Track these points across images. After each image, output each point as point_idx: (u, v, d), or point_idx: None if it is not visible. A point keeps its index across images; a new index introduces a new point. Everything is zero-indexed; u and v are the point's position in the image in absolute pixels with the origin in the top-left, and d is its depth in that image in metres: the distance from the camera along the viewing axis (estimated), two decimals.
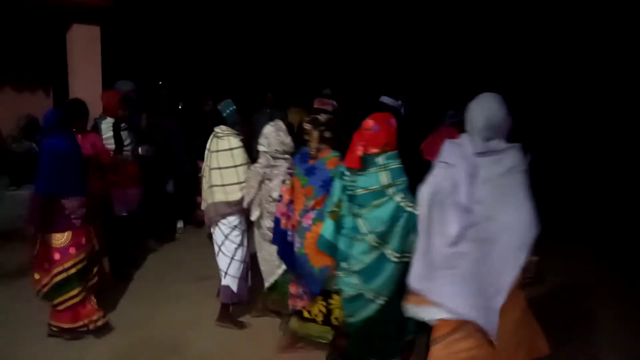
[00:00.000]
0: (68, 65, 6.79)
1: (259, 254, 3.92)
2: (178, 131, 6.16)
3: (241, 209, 3.84)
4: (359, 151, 2.93)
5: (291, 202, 3.47)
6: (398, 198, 2.82)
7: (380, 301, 2.91)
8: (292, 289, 3.53)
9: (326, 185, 3.25)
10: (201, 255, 5.37)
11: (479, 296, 2.40)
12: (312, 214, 3.29)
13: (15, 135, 6.44)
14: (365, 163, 2.93)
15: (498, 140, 2.48)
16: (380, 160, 2.92)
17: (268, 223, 3.70)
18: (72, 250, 3.54)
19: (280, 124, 3.81)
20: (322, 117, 3.45)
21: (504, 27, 9.06)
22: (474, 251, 2.42)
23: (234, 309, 4.03)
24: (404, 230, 2.79)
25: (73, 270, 3.54)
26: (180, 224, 6.46)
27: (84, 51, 6.57)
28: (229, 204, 3.80)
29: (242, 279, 3.93)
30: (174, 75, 8.12)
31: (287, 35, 10.01)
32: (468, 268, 2.42)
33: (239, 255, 3.90)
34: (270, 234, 3.66)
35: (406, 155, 3.62)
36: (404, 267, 2.73)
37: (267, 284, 3.91)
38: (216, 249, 3.94)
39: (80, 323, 3.64)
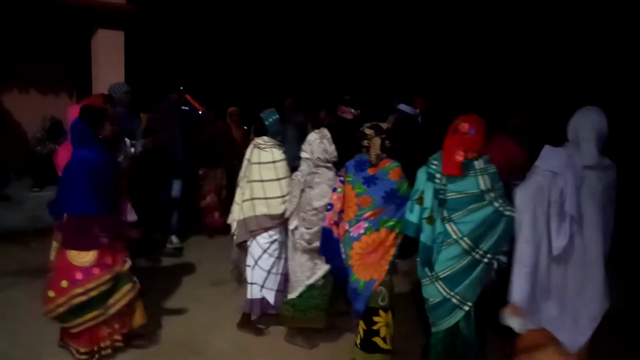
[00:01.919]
0: (92, 69, 6.95)
1: (289, 263, 3.79)
2: (180, 134, 5.91)
3: (283, 222, 3.76)
4: (460, 157, 2.82)
5: (341, 211, 3.38)
6: (497, 203, 2.80)
7: (467, 307, 2.89)
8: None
9: (388, 197, 3.17)
10: (216, 259, 5.43)
11: (574, 319, 2.52)
12: (364, 224, 3.20)
13: (39, 137, 6.57)
14: (461, 168, 2.86)
15: (603, 155, 2.57)
16: (477, 164, 2.86)
17: (303, 232, 3.59)
18: (96, 271, 3.19)
19: (325, 131, 3.69)
20: (384, 125, 3.36)
21: (530, 31, 8.94)
22: (575, 265, 2.53)
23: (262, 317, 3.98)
24: (502, 234, 2.78)
25: (94, 293, 3.19)
26: (175, 239, 5.88)
27: (107, 56, 6.71)
28: (271, 217, 3.72)
29: (281, 291, 3.86)
30: (195, 79, 8.22)
31: (308, 41, 10.08)
32: (569, 286, 2.53)
33: (276, 268, 3.83)
34: (304, 244, 3.56)
35: (424, 161, 3.65)
36: (489, 270, 2.78)
37: (291, 295, 3.71)
38: (251, 261, 3.83)
39: (99, 346, 3.36)
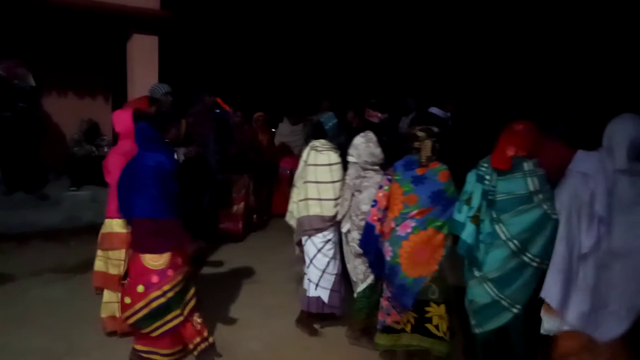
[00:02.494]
0: (127, 73, 7.14)
1: (348, 266, 3.85)
2: (214, 140, 5.92)
3: (335, 223, 3.82)
4: (511, 152, 2.89)
5: (386, 208, 3.41)
6: (545, 206, 2.82)
7: (516, 310, 2.90)
8: (383, 302, 3.47)
9: (435, 197, 3.21)
10: (245, 261, 5.51)
11: (609, 312, 2.55)
12: (411, 223, 3.24)
13: (77, 139, 6.78)
14: (511, 167, 2.91)
15: (637, 161, 2.59)
16: (527, 165, 2.90)
17: (356, 236, 3.64)
18: (170, 273, 3.20)
19: (370, 134, 3.70)
20: (435, 128, 3.39)
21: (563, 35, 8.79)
22: (607, 266, 2.57)
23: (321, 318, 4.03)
24: (551, 237, 2.79)
25: (171, 294, 3.20)
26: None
27: (142, 60, 6.88)
28: (323, 218, 3.77)
29: (335, 291, 3.88)
30: (227, 83, 8.32)
31: (335, 44, 10.12)
32: (602, 285, 2.56)
33: (331, 268, 3.85)
34: (356, 247, 3.62)
35: (456, 165, 3.65)
36: (541, 274, 2.78)
37: (355, 294, 3.81)
38: (307, 261, 3.91)
39: (180, 347, 3.38)
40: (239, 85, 9.10)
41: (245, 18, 9.46)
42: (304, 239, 3.90)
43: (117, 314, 3.66)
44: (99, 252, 3.71)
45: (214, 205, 6.04)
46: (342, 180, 3.80)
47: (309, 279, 3.91)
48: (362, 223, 3.55)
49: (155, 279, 3.17)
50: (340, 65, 10.48)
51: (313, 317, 4.01)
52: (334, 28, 10.06)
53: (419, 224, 3.23)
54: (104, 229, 3.69)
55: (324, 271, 3.84)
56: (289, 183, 7.04)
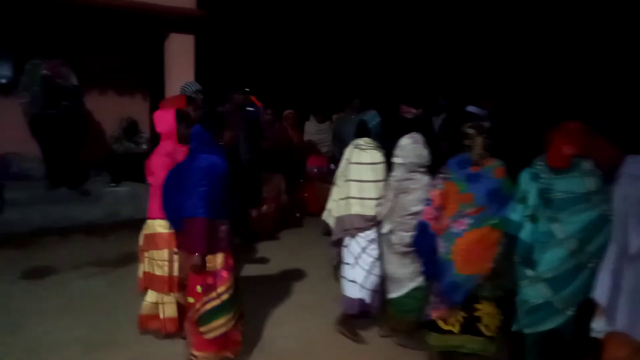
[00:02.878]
0: (164, 72, 7.27)
1: (386, 266, 3.75)
2: (244, 138, 6.00)
3: (376, 224, 3.76)
4: (568, 150, 2.86)
5: (441, 207, 3.38)
6: (603, 207, 2.79)
7: (570, 312, 2.88)
8: (432, 297, 3.45)
9: (491, 195, 3.18)
10: (279, 258, 5.54)
11: None
12: (466, 220, 3.22)
13: (116, 136, 6.95)
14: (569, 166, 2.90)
15: None
16: (585, 165, 2.89)
17: (398, 237, 3.59)
18: (224, 274, 3.19)
19: (417, 135, 3.66)
20: (485, 124, 3.39)
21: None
22: None
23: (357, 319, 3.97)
24: (607, 239, 2.76)
25: (226, 296, 3.18)
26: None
27: (179, 59, 7.01)
28: (364, 217, 3.71)
29: (377, 292, 3.82)
30: (263, 81, 8.38)
31: (369, 42, 10.08)
32: None
33: (376, 269, 3.77)
34: (402, 248, 3.57)
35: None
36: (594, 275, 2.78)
37: (392, 295, 3.74)
38: (351, 259, 3.80)
39: (226, 353, 3.33)
40: (272, 83, 9.15)
41: (278, 16, 9.51)
42: (346, 238, 3.83)
43: (161, 314, 3.67)
44: (146, 254, 3.67)
45: (246, 203, 6.08)
46: (386, 179, 3.74)
47: (351, 280, 3.81)
48: (411, 223, 3.50)
49: (210, 280, 3.15)
50: (369, 63, 10.43)
51: (351, 319, 3.94)
52: (366, 25, 10.02)
53: (475, 221, 3.19)
54: (147, 230, 3.64)
55: (369, 272, 3.75)
56: (318, 181, 7.06)
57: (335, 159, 6.51)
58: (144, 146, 7.03)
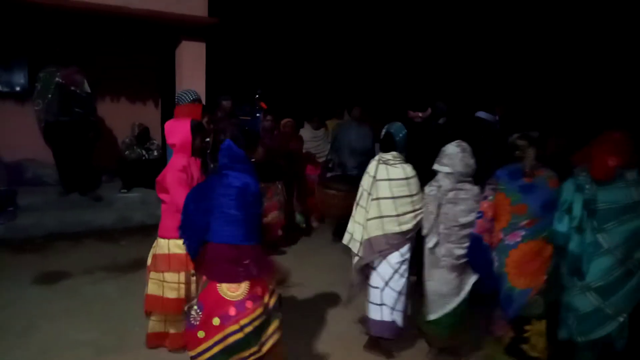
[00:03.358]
0: (176, 78, 7.35)
1: (428, 283, 3.60)
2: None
3: (412, 238, 3.63)
4: (613, 162, 2.87)
5: (492, 219, 3.34)
6: None
7: (622, 318, 2.91)
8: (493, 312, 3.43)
9: (546, 206, 3.16)
10: (291, 264, 5.56)
11: None
12: (521, 232, 3.20)
13: (128, 142, 7.03)
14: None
15: None
16: (630, 175, 2.91)
17: (450, 248, 3.45)
18: (249, 305, 2.83)
19: (464, 144, 3.52)
20: (534, 133, 3.34)
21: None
22: None
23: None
24: None
25: (249, 329, 2.83)
26: None
27: (190, 65, 7.07)
28: (403, 234, 3.55)
29: (404, 312, 3.73)
30: (274, 88, 8.43)
31: (372, 50, 10.12)
32: None
33: (405, 289, 3.66)
34: (452, 260, 3.45)
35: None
36: None
37: (432, 316, 3.60)
38: (380, 283, 3.63)
39: None
40: (282, 90, 9.20)
41: (287, 23, 9.59)
42: (376, 261, 3.65)
43: (170, 330, 3.58)
44: (152, 275, 3.42)
45: None
46: (420, 192, 3.61)
47: (380, 304, 3.65)
48: (462, 233, 3.42)
49: (232, 311, 2.81)
50: (371, 69, 10.44)
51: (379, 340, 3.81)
52: (369, 32, 10.07)
53: (529, 233, 3.18)
54: (159, 250, 3.41)
55: (400, 293, 3.63)
56: (320, 187, 6.98)
57: (333, 165, 6.52)
58: (156, 153, 7.11)
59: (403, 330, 3.74)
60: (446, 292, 3.50)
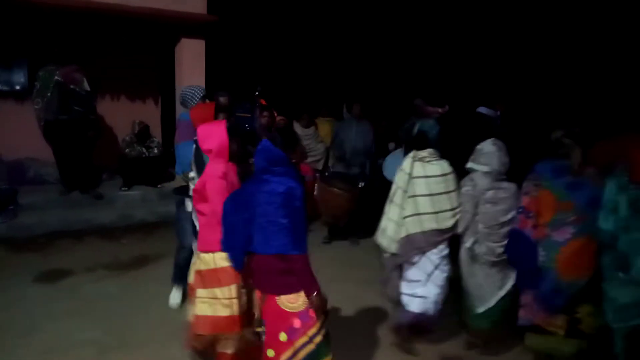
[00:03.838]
0: (175, 76, 7.35)
1: (470, 280, 3.65)
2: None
3: (451, 236, 3.63)
4: None
5: (535, 214, 3.36)
6: None
7: None
8: (526, 300, 3.47)
9: (593, 203, 3.20)
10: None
11: None
12: (569, 229, 3.24)
13: (129, 140, 7.03)
14: None
15: None
16: None
17: (491, 247, 3.47)
18: (312, 313, 2.68)
19: (499, 142, 3.53)
20: (577, 129, 3.38)
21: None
22: None
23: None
24: None
25: (319, 338, 2.67)
26: None
27: (190, 63, 7.07)
28: (441, 232, 3.56)
29: (441, 305, 3.76)
30: (274, 85, 8.40)
31: (376, 50, 10.10)
32: None
33: (446, 285, 3.69)
34: (492, 258, 3.48)
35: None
36: None
37: (479, 309, 3.64)
38: (422, 276, 3.63)
39: None
40: (282, 87, 9.19)
41: (286, 21, 9.58)
42: (416, 257, 3.64)
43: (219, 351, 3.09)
44: (200, 293, 3.04)
45: None
46: (457, 189, 3.62)
47: (421, 296, 3.64)
48: (500, 233, 3.45)
49: (297, 323, 2.66)
50: (366, 66, 10.42)
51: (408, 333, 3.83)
52: (368, 31, 10.07)
53: (579, 230, 3.22)
54: (203, 266, 3.03)
55: (442, 287, 3.66)
56: (322, 184, 6.95)
57: (334, 163, 6.49)
58: (156, 150, 7.11)
59: (437, 322, 3.80)
60: (488, 286, 3.57)
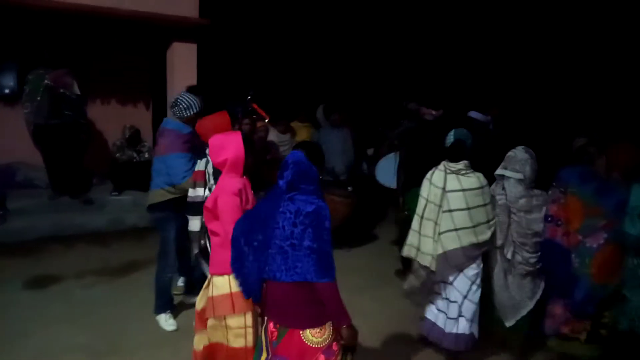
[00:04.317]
0: (167, 80, 7.32)
1: (503, 294, 3.60)
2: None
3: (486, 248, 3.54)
4: None
5: (565, 221, 3.39)
6: None
7: None
8: (556, 310, 3.50)
9: (621, 207, 3.25)
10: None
11: None
12: (602, 234, 3.29)
13: (119, 145, 6.99)
14: None
15: None
16: None
17: (527, 257, 3.46)
18: (335, 347, 2.46)
19: (530, 150, 3.49)
20: (599, 138, 3.51)
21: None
22: None
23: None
24: None
25: None
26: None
27: (182, 67, 7.03)
28: (479, 245, 3.44)
29: (478, 322, 3.64)
30: (266, 89, 8.39)
31: (364, 55, 10.15)
32: None
33: (479, 300, 3.55)
34: (528, 268, 3.49)
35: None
36: None
37: (509, 323, 3.63)
38: (458, 297, 3.49)
39: None
40: (275, 92, 9.18)
41: (279, 24, 9.59)
42: (452, 276, 3.50)
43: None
44: (212, 322, 2.79)
45: None
46: (492, 201, 3.53)
47: (458, 316, 3.51)
48: (535, 240, 3.46)
49: (322, 358, 2.42)
50: (354, 70, 10.44)
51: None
52: (355, 34, 10.11)
53: (611, 235, 3.27)
54: (216, 291, 2.74)
55: (477, 304, 3.53)
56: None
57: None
58: (147, 155, 7.07)
59: (477, 341, 3.63)
60: (520, 298, 3.57)
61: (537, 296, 3.56)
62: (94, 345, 3.72)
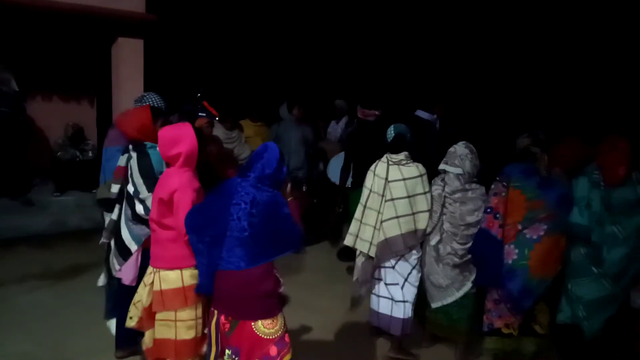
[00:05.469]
0: (112, 77, 7.10)
1: (430, 277, 3.71)
2: None
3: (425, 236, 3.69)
4: (623, 171, 3.29)
5: (504, 214, 3.46)
6: None
7: (621, 297, 3.36)
8: (490, 305, 3.55)
9: (562, 201, 3.42)
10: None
11: None
12: (542, 226, 3.37)
13: (61, 143, 6.74)
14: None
15: None
16: (635, 176, 3.36)
17: (456, 248, 3.57)
18: (287, 339, 2.53)
19: (471, 145, 3.66)
20: (541, 135, 3.64)
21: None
22: None
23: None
24: None
25: None
26: None
27: (127, 63, 6.84)
28: (417, 233, 3.61)
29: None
30: (215, 87, 8.28)
31: (320, 51, 10.20)
32: None
33: (418, 282, 3.73)
34: (456, 259, 3.57)
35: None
36: None
37: (434, 305, 3.74)
38: (400, 279, 3.66)
39: None
40: (225, 89, 9.09)
41: (228, 20, 9.49)
42: (393, 260, 3.66)
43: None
44: (160, 316, 2.78)
45: None
46: (430, 190, 3.68)
47: (402, 300, 3.66)
48: (467, 233, 3.55)
49: (273, 350, 2.46)
50: (304, 67, 10.48)
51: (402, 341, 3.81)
52: (305, 30, 10.14)
53: (551, 226, 3.37)
54: (167, 285, 2.74)
55: (416, 287, 3.69)
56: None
57: None
58: (90, 154, 6.87)
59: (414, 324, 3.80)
60: (447, 286, 3.66)
61: (466, 288, 3.64)
62: (37, 353, 3.60)
